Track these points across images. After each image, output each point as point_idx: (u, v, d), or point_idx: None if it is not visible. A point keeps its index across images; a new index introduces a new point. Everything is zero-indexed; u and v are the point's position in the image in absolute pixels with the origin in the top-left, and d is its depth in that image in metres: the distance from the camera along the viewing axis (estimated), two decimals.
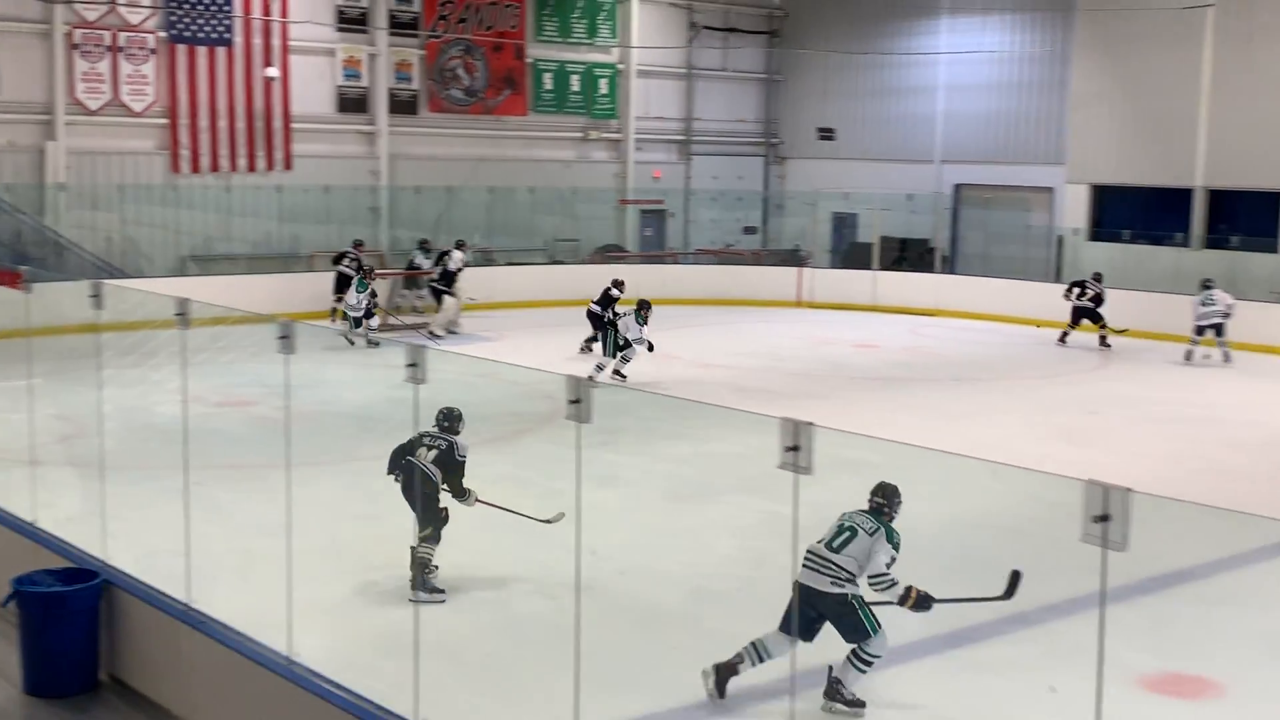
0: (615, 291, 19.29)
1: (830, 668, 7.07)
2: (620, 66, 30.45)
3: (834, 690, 7.05)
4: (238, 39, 24.93)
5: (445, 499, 8.82)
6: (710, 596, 9.25)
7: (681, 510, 11.61)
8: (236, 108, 25.05)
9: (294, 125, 25.74)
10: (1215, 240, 24.78)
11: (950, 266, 28.49)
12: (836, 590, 6.99)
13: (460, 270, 22.12)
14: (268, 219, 25.57)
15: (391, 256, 25.94)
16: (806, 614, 7.00)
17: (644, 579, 9.38)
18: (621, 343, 17.56)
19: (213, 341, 14.62)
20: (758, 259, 30.13)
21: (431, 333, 21.33)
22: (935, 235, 28.68)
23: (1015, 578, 6.92)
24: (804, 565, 7.07)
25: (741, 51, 32.69)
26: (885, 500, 7.25)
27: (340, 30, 26.44)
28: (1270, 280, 23.06)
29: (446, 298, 21.98)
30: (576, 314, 24.10)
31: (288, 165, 25.74)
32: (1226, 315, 20.25)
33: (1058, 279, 26.22)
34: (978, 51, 29.16)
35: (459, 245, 23.74)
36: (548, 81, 29.29)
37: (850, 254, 29.56)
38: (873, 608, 7.03)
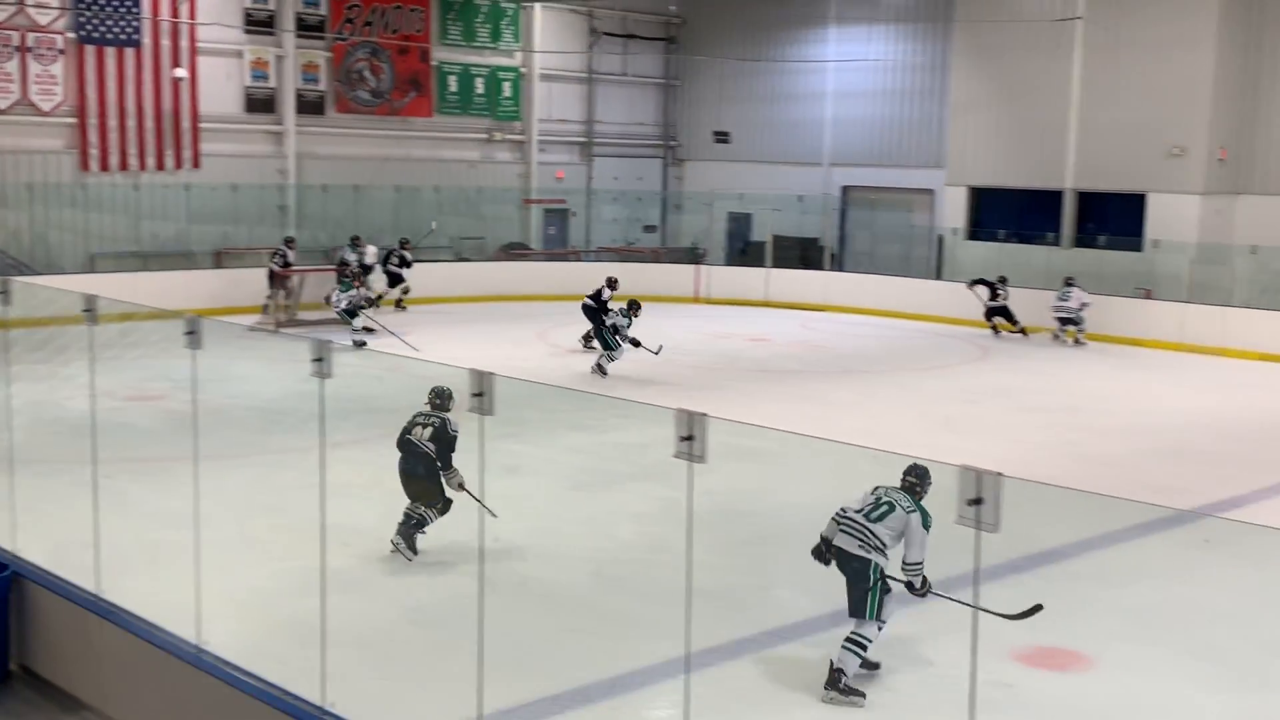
0: (608, 290, 19.36)
1: (831, 660, 7.13)
2: (523, 70, 30.34)
3: (835, 680, 7.08)
4: (146, 40, 24.39)
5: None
6: (610, 581, 9.28)
7: (583, 498, 11.63)
8: (145, 107, 24.51)
9: (202, 125, 25.25)
10: (1084, 239, 25.37)
11: (838, 264, 28.82)
12: (862, 554, 7.10)
13: (375, 265, 21.91)
14: (176, 217, 25.09)
15: (300, 255, 25.57)
16: (845, 579, 7.17)
17: (546, 564, 9.38)
18: (615, 342, 17.65)
19: (121, 337, 14.35)
20: (657, 257, 30.22)
21: (366, 328, 21.18)
22: (824, 234, 29.01)
23: (1035, 609, 7.10)
24: (840, 529, 7.23)
25: (640, 57, 32.75)
26: (918, 480, 7.31)
27: (248, 32, 25.99)
28: (1134, 277, 23.68)
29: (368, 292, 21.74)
30: (482, 309, 24.05)
31: (196, 164, 25.25)
32: (1079, 310, 21.71)
33: (938, 276, 26.71)
34: (863, 60, 29.56)
35: (403, 244, 23.66)
36: (452, 84, 29.07)
37: (745, 252, 29.83)
38: (886, 597, 7.15)
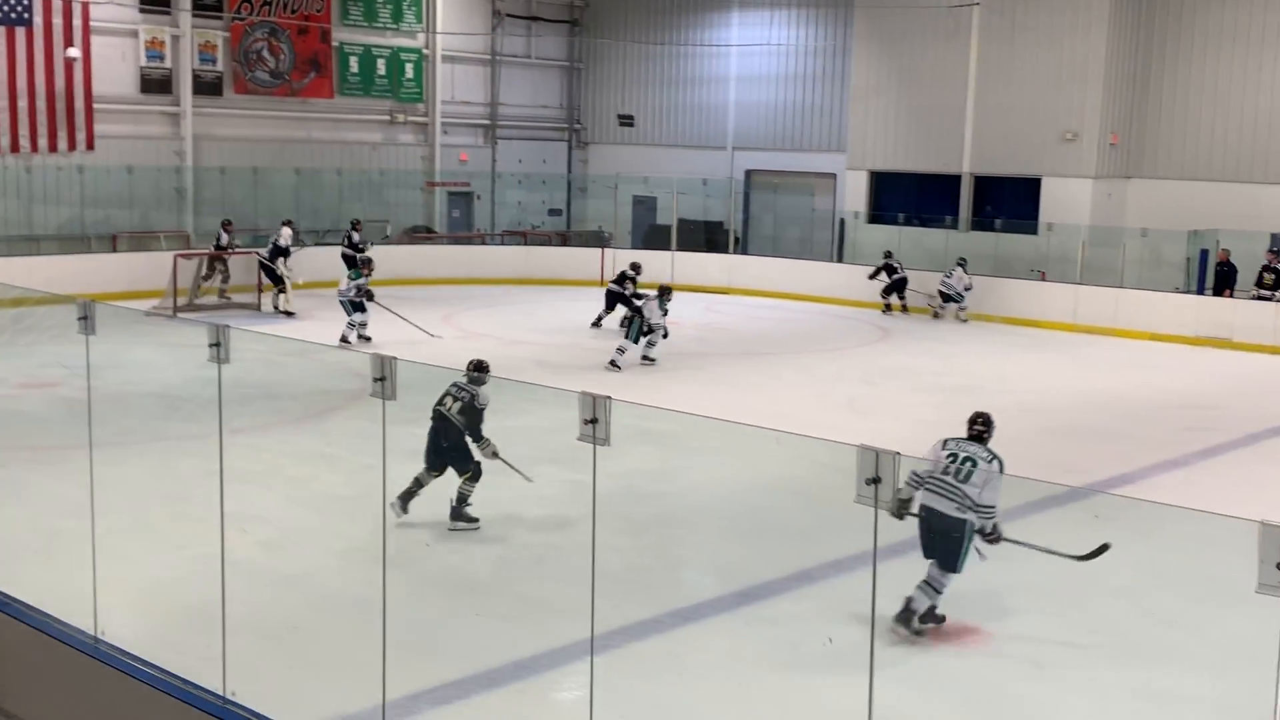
0: (631, 273, 19.23)
1: (908, 599, 7.54)
2: (426, 51, 30.03)
3: (907, 618, 7.52)
4: (37, 19, 23.69)
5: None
6: (516, 564, 9.26)
7: (489, 481, 11.55)
8: (37, 88, 23.83)
9: (96, 106, 24.63)
10: (981, 223, 25.83)
11: (742, 247, 29.00)
12: (958, 515, 7.52)
13: (289, 248, 21.59)
14: (70, 200, 24.47)
15: (197, 238, 25.12)
16: (930, 537, 7.56)
17: (452, 549, 9.33)
18: (646, 329, 17.29)
19: (14, 323, 13.97)
20: (562, 240, 30.15)
21: (285, 311, 20.88)
22: (728, 218, 29.17)
23: (1103, 549, 7.68)
24: (928, 490, 7.58)
25: (544, 39, 32.62)
26: (985, 427, 7.82)
27: (143, 11, 25.39)
28: (1029, 259, 24.16)
29: (286, 275, 21.38)
30: (386, 293, 23.72)
31: (90, 146, 24.64)
32: (960, 289, 22.57)
33: (840, 259, 26.99)
34: (766, 45, 29.77)
35: (355, 225, 23.48)
36: (354, 65, 28.69)
37: (650, 235, 29.88)
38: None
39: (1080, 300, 22.19)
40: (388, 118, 29.49)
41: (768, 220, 30.20)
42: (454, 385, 9.36)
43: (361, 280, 18.38)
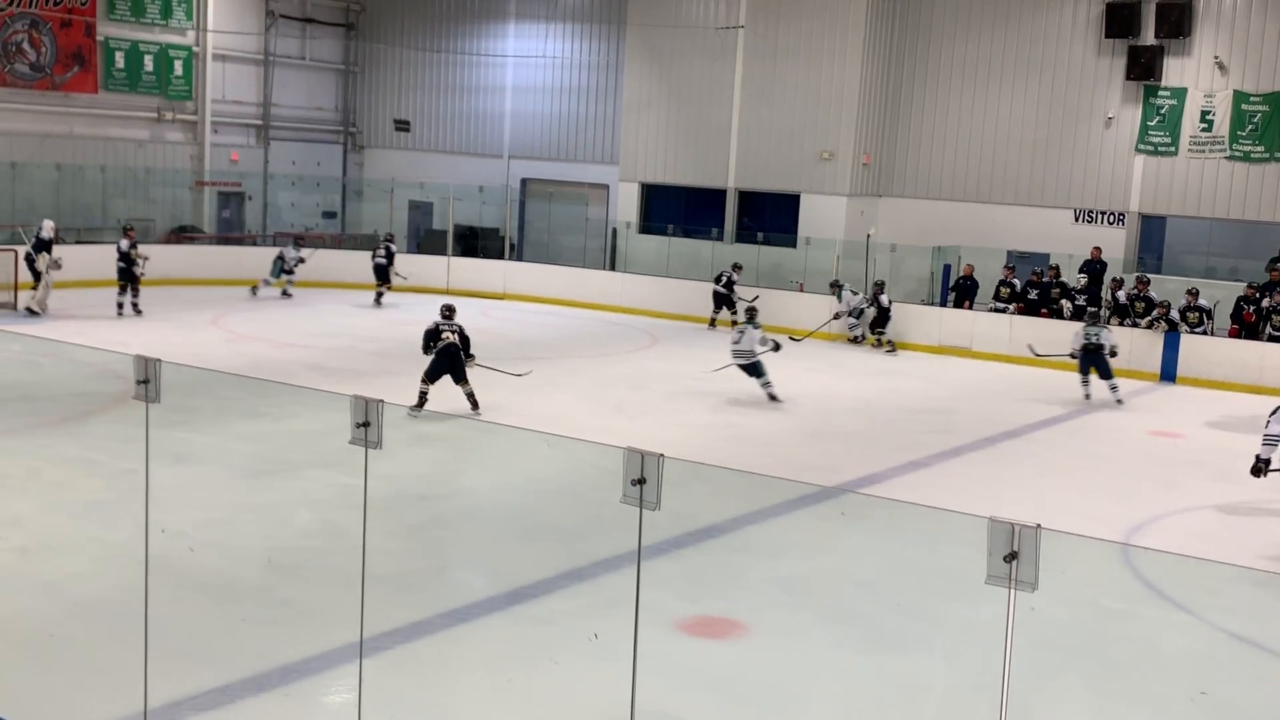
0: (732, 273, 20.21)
1: None
2: (196, 49, 28.96)
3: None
4: None
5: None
6: (284, 569, 9.03)
7: (258, 486, 11.26)
8: None
9: None
10: (744, 235, 26.54)
11: (517, 254, 29.02)
12: None
13: (53, 241, 20.39)
14: None
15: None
16: None
17: (217, 554, 9.04)
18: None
19: None
20: (337, 243, 29.55)
21: (28, 309, 19.69)
22: (504, 225, 29.14)
23: None
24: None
25: (319, 41, 31.91)
26: None
27: None
28: (789, 271, 24.93)
29: (44, 273, 20.15)
30: (152, 294, 22.77)
31: None
32: (859, 310, 21.95)
33: (612, 267, 27.30)
34: (541, 57, 29.89)
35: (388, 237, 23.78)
36: (120, 60, 27.41)
37: (426, 240, 29.61)
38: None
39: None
40: (155, 115, 28.30)
41: (542, 228, 30.32)
42: (441, 325, 13.66)
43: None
